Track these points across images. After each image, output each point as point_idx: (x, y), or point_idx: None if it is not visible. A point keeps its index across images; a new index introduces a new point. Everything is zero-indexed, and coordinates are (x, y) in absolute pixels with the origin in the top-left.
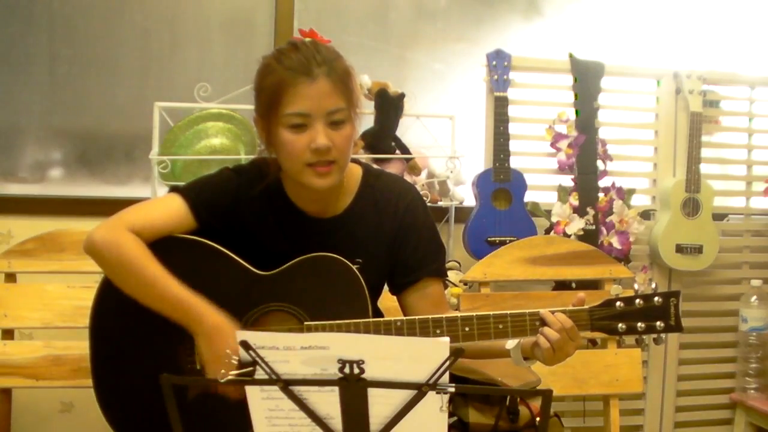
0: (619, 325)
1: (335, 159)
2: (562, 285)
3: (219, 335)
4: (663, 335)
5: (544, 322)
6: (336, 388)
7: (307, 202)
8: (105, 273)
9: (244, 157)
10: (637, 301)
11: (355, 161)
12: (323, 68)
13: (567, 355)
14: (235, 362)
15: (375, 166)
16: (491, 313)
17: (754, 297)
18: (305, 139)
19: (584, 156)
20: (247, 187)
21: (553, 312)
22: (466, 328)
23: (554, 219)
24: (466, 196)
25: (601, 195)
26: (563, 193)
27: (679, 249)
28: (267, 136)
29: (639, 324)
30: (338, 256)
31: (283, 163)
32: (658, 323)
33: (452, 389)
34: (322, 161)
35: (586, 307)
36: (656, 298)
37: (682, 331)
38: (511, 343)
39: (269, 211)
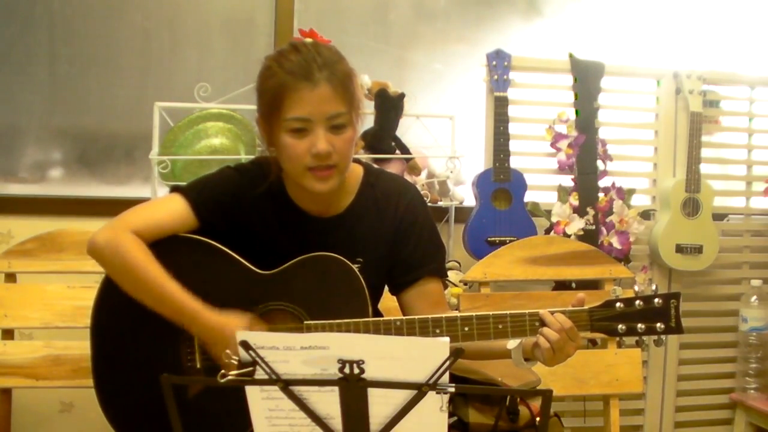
0: (619, 326)
1: (336, 163)
2: (562, 285)
3: (216, 340)
4: (663, 337)
5: (543, 323)
6: (336, 388)
7: (308, 201)
8: (108, 273)
9: (244, 157)
10: (638, 302)
11: (356, 161)
12: (324, 72)
13: (567, 356)
14: (235, 362)
15: (375, 165)
16: (491, 313)
17: (754, 297)
18: (306, 143)
19: (584, 156)
20: (248, 186)
21: (552, 312)
22: (466, 328)
23: (554, 219)
24: (466, 196)
25: (601, 195)
26: (563, 193)
27: (679, 249)
28: (269, 138)
29: (639, 325)
30: (339, 256)
31: (285, 165)
32: (658, 325)
33: (452, 389)
34: (322, 165)
35: (586, 307)
36: (656, 300)
37: (682, 332)
38: (512, 344)
39: (270, 210)
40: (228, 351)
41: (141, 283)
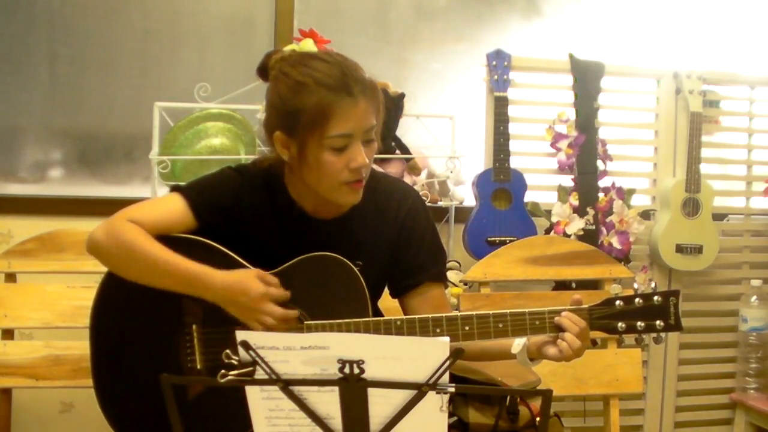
0: (619, 324)
1: (366, 175)
2: (562, 285)
3: (235, 293)
4: (663, 334)
5: (560, 328)
6: (336, 388)
7: (310, 202)
8: (109, 266)
9: (244, 157)
10: (637, 300)
11: None
12: (359, 86)
13: (578, 356)
14: (236, 362)
15: (375, 167)
16: (491, 312)
17: (754, 297)
18: (345, 158)
19: (584, 156)
20: (248, 187)
21: (559, 312)
22: (466, 327)
23: (554, 219)
24: (466, 196)
25: (601, 195)
26: (563, 193)
27: (679, 249)
28: (298, 155)
29: (639, 323)
30: (338, 256)
31: (315, 181)
32: (657, 322)
33: (452, 389)
34: (357, 179)
35: (585, 306)
36: (656, 298)
37: (681, 330)
38: (516, 346)
39: (271, 211)
40: (228, 351)
41: (144, 261)
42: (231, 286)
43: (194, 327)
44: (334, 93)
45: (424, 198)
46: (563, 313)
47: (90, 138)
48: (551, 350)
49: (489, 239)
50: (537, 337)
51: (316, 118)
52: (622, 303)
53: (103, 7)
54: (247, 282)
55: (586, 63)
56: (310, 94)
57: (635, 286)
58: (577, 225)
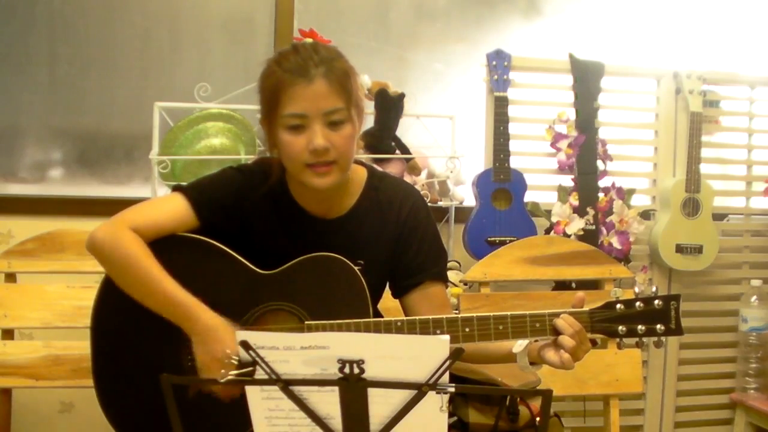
0: (620, 327)
1: (335, 159)
2: (562, 285)
3: (214, 337)
4: (663, 338)
5: (557, 331)
6: (336, 388)
7: (311, 202)
8: (105, 270)
9: (244, 157)
10: (638, 303)
11: (360, 163)
12: (320, 69)
13: (577, 360)
14: (235, 362)
15: (376, 167)
16: (491, 314)
17: (754, 297)
18: (303, 140)
19: (584, 156)
20: (250, 187)
21: (558, 314)
22: (467, 329)
23: (554, 219)
24: (466, 196)
25: (601, 195)
26: (563, 193)
27: (679, 249)
28: (270, 138)
29: (639, 327)
30: (339, 256)
31: (285, 163)
32: (658, 326)
33: (452, 389)
34: (320, 162)
35: (586, 309)
36: (657, 302)
37: (682, 334)
38: (518, 346)
39: (272, 211)
40: (228, 351)
41: (137, 279)
42: (212, 329)
43: None
44: (288, 74)
45: (424, 197)
46: (561, 315)
47: (90, 138)
48: (551, 354)
49: (489, 239)
50: (536, 343)
51: (271, 97)
52: (623, 306)
53: (103, 7)
54: (228, 336)
55: (586, 63)
56: (270, 76)
57: (636, 289)
58: (577, 225)
